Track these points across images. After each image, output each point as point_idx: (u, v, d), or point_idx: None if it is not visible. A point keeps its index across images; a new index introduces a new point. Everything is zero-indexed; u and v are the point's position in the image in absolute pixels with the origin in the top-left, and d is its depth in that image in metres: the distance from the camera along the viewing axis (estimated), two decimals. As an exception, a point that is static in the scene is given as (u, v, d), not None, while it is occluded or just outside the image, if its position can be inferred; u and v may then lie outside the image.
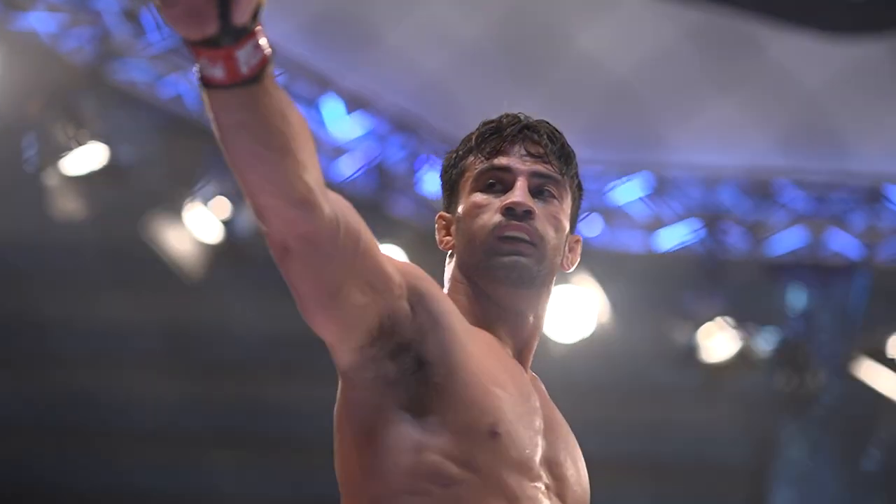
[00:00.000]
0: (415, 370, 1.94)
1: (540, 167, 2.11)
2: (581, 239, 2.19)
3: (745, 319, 6.36)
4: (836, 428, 6.57)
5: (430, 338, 1.94)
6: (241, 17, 1.61)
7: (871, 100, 5.77)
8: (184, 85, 5.93)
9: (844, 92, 5.70)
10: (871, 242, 6.41)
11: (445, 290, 2.10)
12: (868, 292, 6.47)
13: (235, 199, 5.85)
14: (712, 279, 6.35)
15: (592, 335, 6.16)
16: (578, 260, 2.19)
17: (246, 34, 1.63)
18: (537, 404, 2.05)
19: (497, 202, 2.09)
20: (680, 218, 6.38)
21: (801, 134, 5.99)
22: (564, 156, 2.14)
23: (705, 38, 5.52)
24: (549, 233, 2.10)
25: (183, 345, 6.70)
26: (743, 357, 6.36)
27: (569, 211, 2.14)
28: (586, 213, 6.06)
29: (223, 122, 1.70)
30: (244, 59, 1.64)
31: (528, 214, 2.07)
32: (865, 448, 6.63)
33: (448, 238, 2.15)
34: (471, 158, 2.14)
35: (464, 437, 1.93)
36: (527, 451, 1.97)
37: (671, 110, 5.83)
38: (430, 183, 6.21)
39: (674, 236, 6.39)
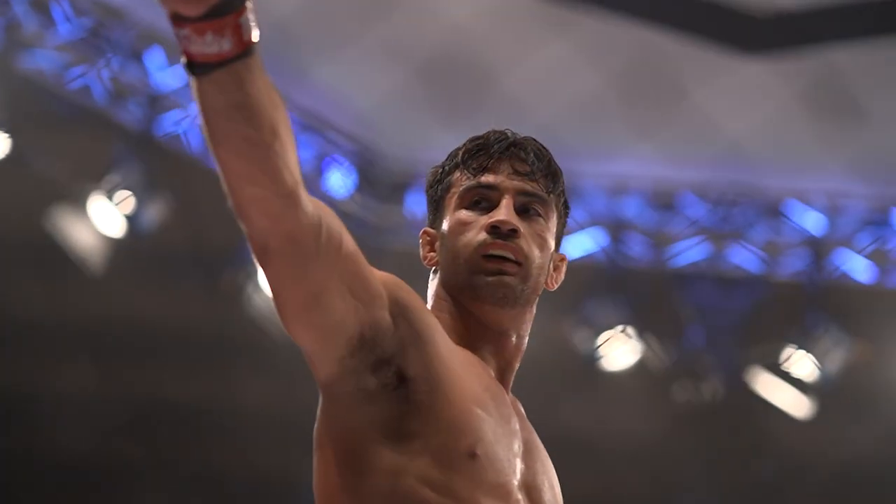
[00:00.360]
0: (396, 386, 1.91)
1: (526, 185, 2.08)
2: (566, 258, 2.17)
3: (645, 328, 6.44)
4: (730, 436, 6.66)
5: (412, 352, 1.91)
6: None
7: (773, 116, 5.86)
8: (92, 76, 5.91)
9: (744, 108, 5.79)
10: (770, 257, 6.52)
11: (429, 307, 2.07)
12: (765, 305, 6.58)
13: (140, 193, 5.84)
14: (614, 288, 6.43)
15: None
16: (563, 278, 2.16)
17: None
18: (517, 427, 2.02)
19: (482, 220, 2.06)
20: (582, 227, 6.45)
21: (704, 148, 6.08)
22: (551, 174, 2.11)
23: (610, 53, 5.59)
24: (535, 252, 2.07)
25: (88, 335, 6.67)
26: (642, 366, 6.45)
27: (554, 230, 2.12)
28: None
29: (217, 105, 1.66)
30: (246, 25, 1.62)
31: (513, 233, 2.04)
32: (758, 457, 6.73)
33: (432, 254, 2.12)
34: (457, 174, 2.11)
35: (443, 459, 1.90)
36: (505, 475, 1.95)
37: (575, 121, 5.89)
38: (336, 182, 6.26)
39: (577, 245, 6.46)
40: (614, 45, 5.56)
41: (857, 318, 6.47)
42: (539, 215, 2.08)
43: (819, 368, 6.41)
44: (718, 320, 6.60)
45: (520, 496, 1.96)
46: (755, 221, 6.46)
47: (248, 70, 1.64)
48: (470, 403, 1.93)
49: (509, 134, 2.12)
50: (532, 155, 2.09)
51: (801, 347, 6.42)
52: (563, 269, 2.15)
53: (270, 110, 1.68)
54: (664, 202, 6.45)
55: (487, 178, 2.08)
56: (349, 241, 1.84)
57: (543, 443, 2.09)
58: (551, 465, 2.08)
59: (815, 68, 5.50)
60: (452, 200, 2.10)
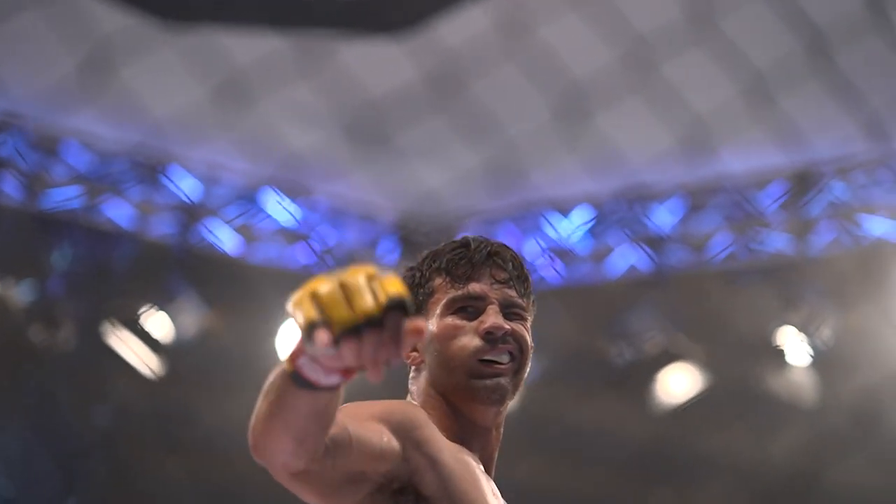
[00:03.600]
0: (416, 502, 2.08)
1: (509, 294, 2.26)
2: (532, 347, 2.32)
3: (6, 269, 6.36)
4: (75, 383, 6.69)
5: (428, 476, 2.07)
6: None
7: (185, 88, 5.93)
8: None
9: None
10: (144, 215, 6.62)
11: (417, 402, 2.24)
12: (133, 262, 6.67)
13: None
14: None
15: None
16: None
17: None
18: None
19: (472, 325, 2.23)
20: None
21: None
22: (524, 278, 2.30)
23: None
24: (524, 349, 2.24)
25: None
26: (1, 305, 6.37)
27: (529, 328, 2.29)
28: None
29: (302, 408, 1.76)
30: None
31: (506, 336, 2.21)
32: (102, 405, 6.79)
33: (415, 353, 2.26)
34: (439, 281, 2.27)
35: None
36: None
37: None
38: None
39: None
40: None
41: (218, 287, 6.70)
42: (521, 318, 2.27)
43: (174, 331, 6.60)
44: (84, 269, 6.62)
45: None
46: (134, 179, 6.53)
47: (340, 391, 1.75)
48: None
49: (485, 243, 2.31)
50: (510, 263, 2.29)
51: (160, 308, 6.57)
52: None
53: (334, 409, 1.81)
54: (47, 146, 6.38)
55: (475, 289, 2.25)
56: (353, 431, 1.96)
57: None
58: None
59: (209, 46, 5.63)
60: (437, 306, 2.26)
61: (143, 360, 6.55)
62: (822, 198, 6.35)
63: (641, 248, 6.72)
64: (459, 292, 2.27)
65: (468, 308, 2.26)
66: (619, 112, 5.65)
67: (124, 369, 6.53)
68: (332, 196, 6.77)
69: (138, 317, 6.55)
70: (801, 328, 6.52)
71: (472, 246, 2.31)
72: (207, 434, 6.23)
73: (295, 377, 1.72)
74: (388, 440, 2.04)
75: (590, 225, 6.76)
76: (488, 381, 2.22)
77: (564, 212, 6.78)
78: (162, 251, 6.61)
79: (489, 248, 2.31)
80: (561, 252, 6.86)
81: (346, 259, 6.81)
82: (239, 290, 6.67)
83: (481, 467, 2.23)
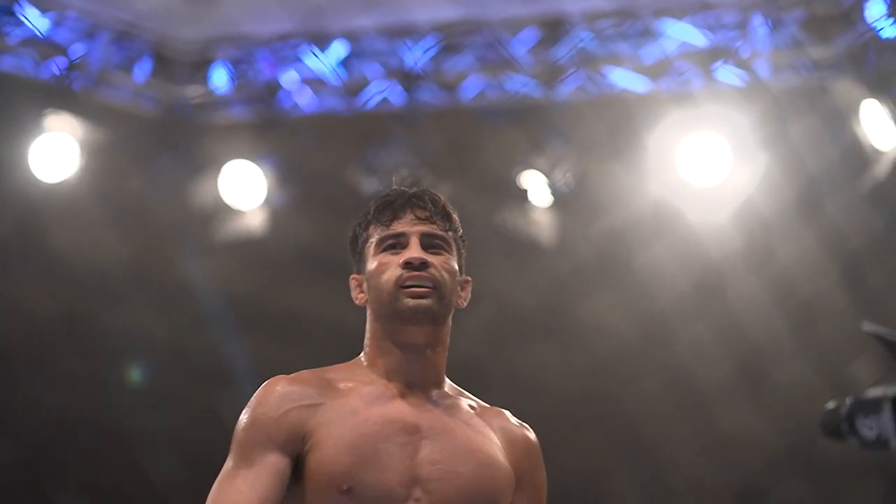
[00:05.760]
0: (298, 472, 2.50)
1: (427, 228, 2.61)
2: (470, 279, 2.68)
3: None
4: None
5: (307, 452, 2.49)
6: None
7: None
8: None
9: None
10: None
11: (365, 344, 2.64)
12: None
13: None
14: None
15: None
16: (469, 296, 2.66)
17: None
18: (415, 424, 2.52)
19: (397, 259, 2.58)
20: None
21: None
22: (446, 215, 2.64)
23: None
24: (445, 277, 2.58)
25: None
26: None
27: (456, 258, 2.63)
28: None
29: None
30: None
31: (424, 265, 2.56)
32: None
33: (362, 295, 2.64)
34: (371, 227, 2.64)
35: (324, 497, 2.46)
36: (383, 489, 2.45)
37: None
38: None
39: None
40: None
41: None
42: (443, 249, 2.62)
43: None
44: None
45: (410, 490, 2.47)
46: None
47: None
48: (341, 453, 2.46)
49: (408, 188, 2.65)
50: (429, 203, 2.63)
51: None
52: (469, 288, 2.68)
53: None
54: None
55: (396, 227, 2.61)
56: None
57: None
58: (472, 437, 2.56)
59: None
60: (370, 248, 2.63)
61: None
62: (570, 46, 6.51)
63: (396, 83, 6.80)
64: (385, 232, 2.62)
65: (395, 245, 2.61)
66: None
67: None
68: (85, 12, 6.63)
69: None
70: (545, 171, 6.73)
71: (396, 192, 2.67)
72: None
73: None
74: (274, 467, 2.49)
75: (345, 57, 6.80)
76: (410, 302, 2.56)
77: (321, 44, 6.79)
78: None
79: (410, 193, 2.66)
80: (316, 82, 6.89)
81: (99, 75, 6.72)
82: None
83: (394, 390, 2.58)
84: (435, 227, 2.63)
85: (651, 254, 6.52)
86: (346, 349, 2.68)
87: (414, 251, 2.59)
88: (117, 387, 6.74)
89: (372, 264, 2.62)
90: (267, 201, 6.96)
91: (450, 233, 2.65)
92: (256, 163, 6.91)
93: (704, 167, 6.47)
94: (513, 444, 2.62)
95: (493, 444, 2.58)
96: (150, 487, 6.39)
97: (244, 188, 6.89)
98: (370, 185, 6.86)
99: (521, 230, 6.73)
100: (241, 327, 6.69)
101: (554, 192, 6.74)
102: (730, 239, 6.52)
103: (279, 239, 6.87)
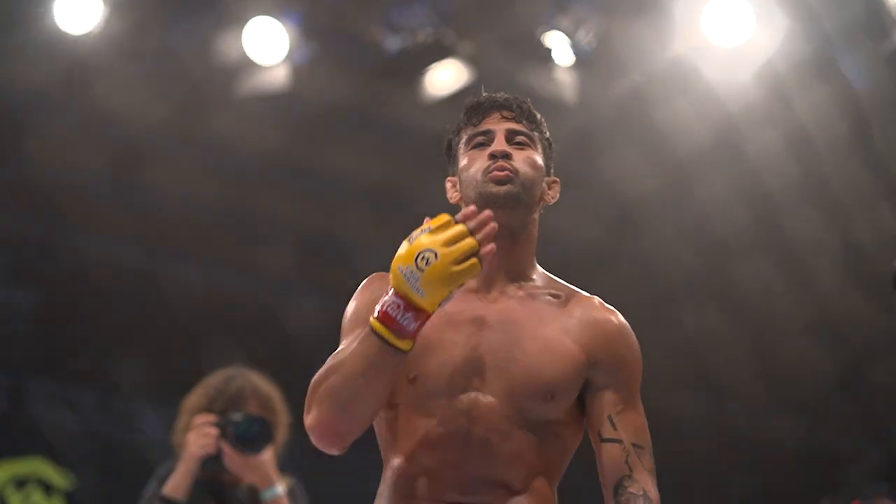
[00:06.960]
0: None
1: (512, 125, 2.80)
2: (558, 180, 2.87)
3: None
4: None
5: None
6: None
7: None
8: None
9: None
10: None
11: None
12: None
13: None
14: None
15: None
16: (558, 196, 2.85)
17: None
18: (481, 316, 2.70)
19: (484, 154, 2.77)
20: None
21: None
22: (531, 116, 2.84)
23: None
24: (527, 168, 2.77)
25: None
26: None
27: (542, 156, 2.82)
28: None
29: (387, 378, 2.57)
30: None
31: (506, 156, 2.75)
32: None
33: (456, 194, 2.84)
34: (462, 131, 2.85)
35: (396, 387, 2.65)
36: (443, 378, 2.65)
37: None
38: None
39: None
40: None
41: None
42: (527, 144, 2.81)
43: None
44: None
45: (470, 381, 2.64)
46: None
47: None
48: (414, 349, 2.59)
49: (497, 94, 2.84)
50: (515, 105, 2.83)
51: None
52: (557, 188, 2.86)
53: None
54: None
55: (483, 126, 2.81)
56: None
57: None
58: (541, 333, 2.70)
59: None
60: (461, 148, 2.84)
61: None
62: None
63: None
64: (473, 131, 2.84)
65: (483, 143, 2.82)
66: None
67: None
68: None
69: None
70: (567, 31, 6.79)
71: (484, 97, 2.87)
72: None
73: (391, 334, 2.50)
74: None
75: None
76: (492, 187, 2.76)
77: None
78: None
79: (498, 96, 2.86)
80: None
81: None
82: None
83: (472, 283, 2.74)
84: (520, 125, 2.82)
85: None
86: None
87: (498, 144, 2.79)
88: (159, 241, 6.80)
89: (462, 161, 2.83)
90: (289, 57, 6.94)
91: (535, 133, 2.85)
92: (279, 20, 6.89)
93: (727, 27, 6.58)
94: (590, 326, 2.73)
95: (562, 330, 2.70)
96: (190, 340, 6.51)
97: (268, 45, 6.87)
98: (393, 44, 6.88)
99: (544, 89, 6.80)
100: (272, 184, 6.76)
101: (577, 52, 6.82)
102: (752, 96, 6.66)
103: (305, 95, 6.88)
